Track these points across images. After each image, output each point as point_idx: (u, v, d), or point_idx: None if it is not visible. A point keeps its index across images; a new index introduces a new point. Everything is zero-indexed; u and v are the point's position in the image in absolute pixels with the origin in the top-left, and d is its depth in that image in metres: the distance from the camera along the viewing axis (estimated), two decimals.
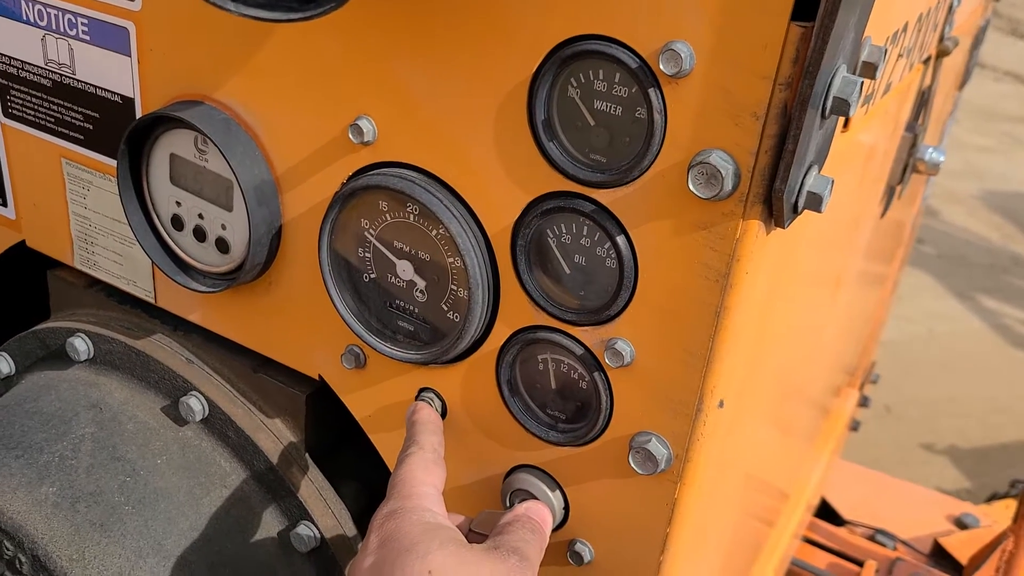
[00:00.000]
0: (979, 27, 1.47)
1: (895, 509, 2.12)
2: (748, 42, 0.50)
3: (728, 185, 0.52)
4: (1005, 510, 2.20)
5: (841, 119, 0.65)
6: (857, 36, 0.54)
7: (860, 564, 1.83)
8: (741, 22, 0.50)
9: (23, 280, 1.00)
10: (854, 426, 1.85)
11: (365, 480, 0.84)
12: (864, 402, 1.85)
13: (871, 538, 2.00)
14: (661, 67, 0.52)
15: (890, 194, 1.09)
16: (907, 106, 0.99)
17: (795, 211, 0.55)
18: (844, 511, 2.07)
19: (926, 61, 0.99)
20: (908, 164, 1.03)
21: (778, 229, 0.58)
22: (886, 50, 0.60)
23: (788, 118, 0.51)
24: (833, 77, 0.51)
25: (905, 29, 0.75)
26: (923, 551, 1.97)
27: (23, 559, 0.75)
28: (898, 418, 3.84)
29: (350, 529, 0.83)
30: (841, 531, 1.99)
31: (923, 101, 1.02)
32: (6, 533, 0.76)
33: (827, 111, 0.52)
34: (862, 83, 0.53)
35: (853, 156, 0.76)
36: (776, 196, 0.52)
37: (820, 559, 1.88)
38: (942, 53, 0.98)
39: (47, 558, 0.74)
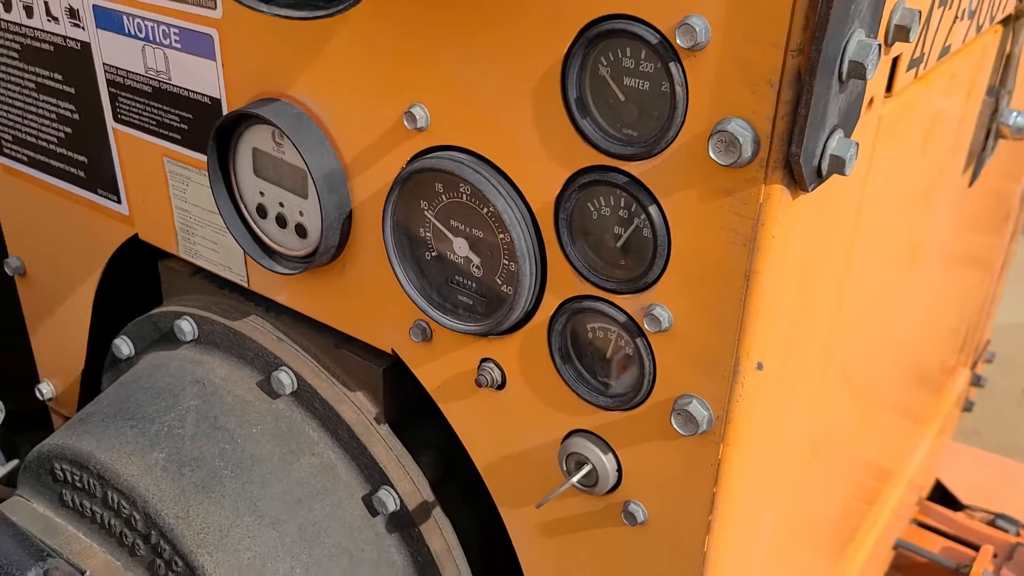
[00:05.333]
0: None
1: (1018, 493, 2.03)
2: (758, 11, 0.52)
3: (747, 152, 0.54)
4: None
5: (883, 83, 0.66)
6: (876, 2, 0.54)
7: (977, 549, 1.77)
8: None
9: (138, 270, 1.10)
10: (967, 406, 1.79)
11: (440, 448, 0.89)
12: (977, 381, 1.78)
13: (991, 523, 1.92)
14: (678, 41, 0.55)
15: (978, 162, 1.06)
16: (985, 69, 0.96)
17: (819, 175, 0.56)
18: (962, 496, 2.00)
19: (1005, 22, 0.96)
20: (991, 129, 1.00)
21: (810, 193, 0.59)
22: (919, 12, 0.60)
23: (802, 84, 0.53)
24: (847, 41, 0.53)
25: None
26: None
27: (137, 517, 0.84)
28: None
29: (428, 494, 0.88)
30: (958, 516, 1.92)
31: (1006, 63, 0.99)
32: (122, 493, 0.84)
33: (844, 75, 0.53)
34: (880, 46, 0.53)
35: (907, 121, 0.76)
36: (793, 160, 0.54)
37: (934, 543, 1.82)
38: (1020, 13, 0.95)
39: (157, 516, 0.82)
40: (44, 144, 1.06)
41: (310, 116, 0.78)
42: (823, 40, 0.50)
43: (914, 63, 0.70)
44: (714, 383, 0.63)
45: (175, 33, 0.84)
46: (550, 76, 0.62)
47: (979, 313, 1.63)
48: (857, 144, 0.56)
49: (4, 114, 1.09)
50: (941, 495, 2.03)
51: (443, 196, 0.71)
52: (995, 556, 1.79)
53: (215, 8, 0.80)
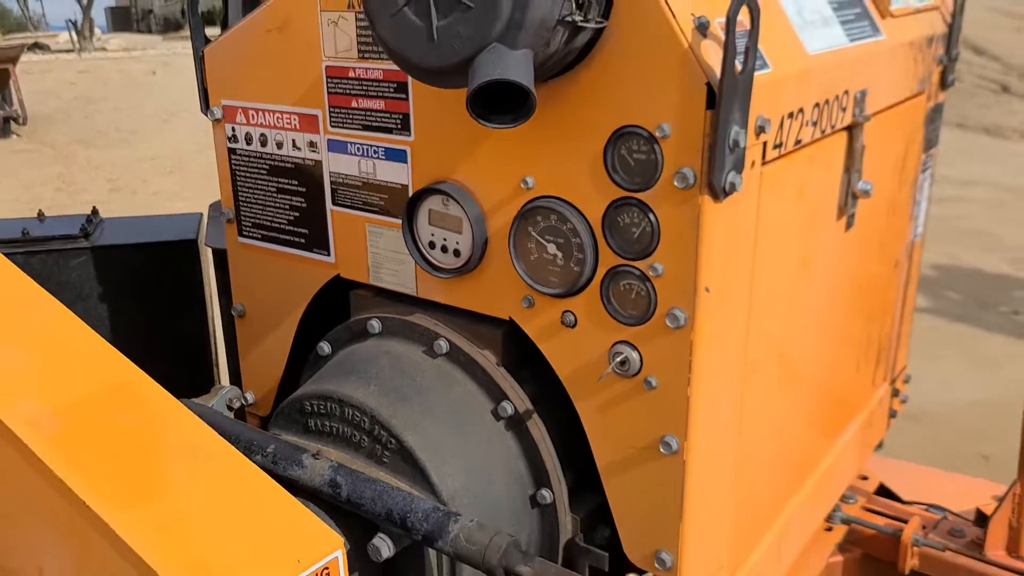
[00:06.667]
0: (928, 108, 2.11)
1: (948, 492, 2.60)
2: (690, 119, 1.20)
3: (691, 181, 1.21)
4: None
5: (759, 155, 1.34)
6: (743, 114, 1.23)
7: None
8: (687, 111, 1.20)
9: (325, 303, 1.76)
10: (892, 414, 2.40)
11: (534, 380, 1.52)
12: (896, 393, 2.40)
13: (925, 511, 2.50)
14: (657, 134, 1.23)
15: (848, 214, 1.74)
16: (839, 156, 1.65)
17: (725, 192, 1.23)
18: (903, 494, 2.58)
19: (848, 129, 1.66)
20: (848, 192, 1.68)
21: (723, 202, 1.25)
22: (770, 120, 1.29)
23: (712, 151, 1.20)
24: (730, 131, 1.20)
25: (802, 111, 1.43)
26: (968, 518, 2.45)
27: (366, 419, 1.46)
28: (996, 466, 4.30)
29: (529, 405, 1.49)
30: (897, 504, 2.50)
31: (853, 152, 1.68)
32: (355, 407, 1.47)
33: (731, 147, 1.21)
34: (746, 133, 1.21)
35: (781, 178, 1.43)
36: (711, 186, 1.21)
37: (879, 521, 2.39)
38: (855, 125, 1.65)
39: (378, 415, 1.44)
40: (276, 225, 1.74)
41: (464, 187, 1.45)
42: (717, 131, 1.18)
43: (776, 146, 1.38)
44: (686, 299, 1.28)
45: (383, 151, 1.53)
46: (598, 155, 1.29)
47: (888, 339, 2.26)
48: (741, 179, 1.24)
49: (247, 209, 1.77)
50: (887, 497, 2.60)
51: (542, 222, 1.38)
52: (924, 527, 2.36)
53: (410, 135, 1.49)
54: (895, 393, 2.39)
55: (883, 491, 2.56)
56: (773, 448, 1.71)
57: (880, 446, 2.49)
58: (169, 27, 35.25)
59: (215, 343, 2.38)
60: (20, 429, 1.16)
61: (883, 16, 1.80)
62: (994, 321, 5.85)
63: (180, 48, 16.94)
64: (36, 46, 17.07)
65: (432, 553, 1.39)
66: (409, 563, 1.40)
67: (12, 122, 9.84)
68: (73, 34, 17.87)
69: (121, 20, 43.08)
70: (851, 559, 2.38)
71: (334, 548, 1.11)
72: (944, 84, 2.17)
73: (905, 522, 2.36)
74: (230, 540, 1.09)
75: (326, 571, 1.11)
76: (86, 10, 20.91)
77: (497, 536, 1.24)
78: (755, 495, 1.65)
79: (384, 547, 1.34)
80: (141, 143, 10.07)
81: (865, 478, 2.54)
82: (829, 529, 2.30)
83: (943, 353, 5.36)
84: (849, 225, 1.77)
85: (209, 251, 2.31)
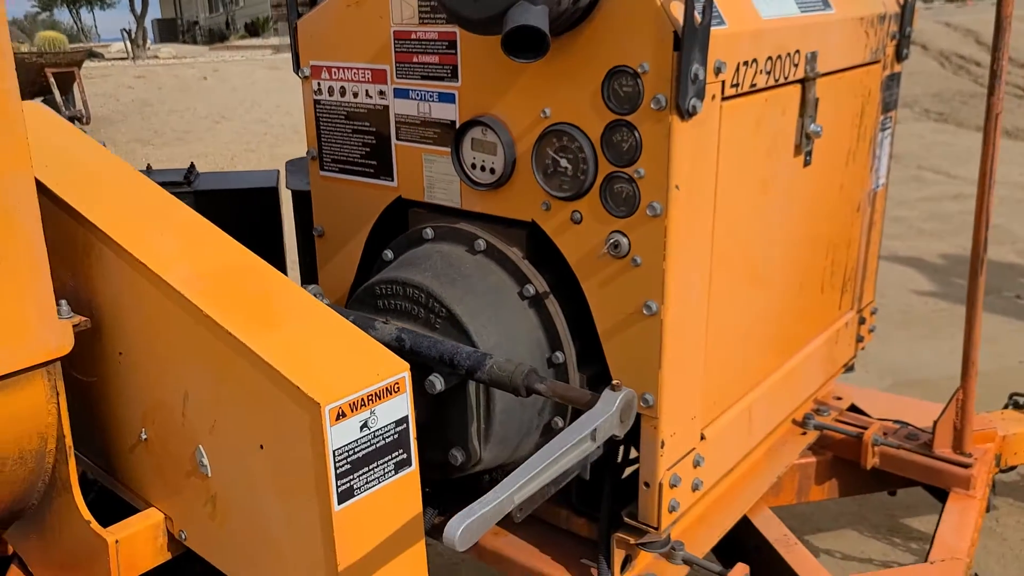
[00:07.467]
0: (884, 76, 2.55)
1: (914, 414, 3.01)
2: (662, 59, 1.66)
3: (664, 105, 1.67)
4: (1001, 419, 3.05)
5: (718, 90, 1.79)
6: (703, 55, 1.68)
7: None
8: (660, 52, 1.66)
9: (388, 220, 2.23)
10: (860, 338, 2.82)
11: (550, 268, 1.97)
12: (863, 321, 2.82)
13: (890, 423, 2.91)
14: (639, 71, 1.68)
15: (805, 151, 2.18)
16: (795, 103, 2.09)
17: (689, 113, 1.68)
18: (873, 413, 2.99)
19: (802, 82, 2.10)
20: (802, 132, 2.13)
21: (689, 121, 1.71)
22: (725, 63, 1.74)
23: (678, 82, 1.66)
24: (691, 68, 1.66)
25: (756, 61, 1.88)
26: (927, 430, 2.85)
27: (422, 295, 1.92)
28: None
29: (546, 288, 1.95)
30: (865, 418, 2.91)
31: (807, 100, 2.12)
32: (415, 286, 1.93)
33: (693, 79, 1.66)
34: (705, 69, 1.67)
35: (740, 112, 1.88)
36: (678, 108, 1.66)
37: (846, 427, 2.81)
38: (807, 79, 2.09)
39: (432, 290, 1.91)
40: (351, 159, 2.22)
41: (498, 119, 1.92)
42: (682, 67, 1.63)
43: (734, 86, 1.83)
44: (661, 194, 1.73)
45: (436, 95, 2.00)
46: (597, 89, 1.75)
47: (854, 271, 2.69)
48: (702, 104, 1.69)
49: (328, 148, 2.26)
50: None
51: (556, 143, 1.84)
52: (885, 434, 2.78)
53: (457, 82, 1.96)
54: (862, 321, 2.81)
55: (855, 410, 2.98)
56: (741, 332, 2.15)
57: (851, 368, 2.90)
58: (214, 38, 36.32)
59: (288, 272, 2.87)
60: (177, 284, 1.64)
61: None
62: (997, 304, 6.21)
63: (227, 56, 17.66)
64: (91, 54, 17.91)
65: (472, 390, 1.86)
66: (455, 398, 1.87)
67: (77, 122, 10.53)
68: (127, 43, 18.72)
69: (167, 31, 44.32)
70: (823, 460, 2.80)
71: (403, 369, 1.57)
72: (899, 57, 2.60)
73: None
74: (331, 360, 1.55)
75: (397, 385, 1.57)
76: (139, 20, 21.90)
77: (520, 365, 1.70)
78: (724, 367, 2.10)
79: (437, 382, 1.80)
80: (195, 142, 10.69)
81: (840, 399, 2.96)
82: (804, 433, 2.72)
83: (947, 332, 5.73)
84: (807, 162, 2.21)
85: (288, 196, 2.79)
